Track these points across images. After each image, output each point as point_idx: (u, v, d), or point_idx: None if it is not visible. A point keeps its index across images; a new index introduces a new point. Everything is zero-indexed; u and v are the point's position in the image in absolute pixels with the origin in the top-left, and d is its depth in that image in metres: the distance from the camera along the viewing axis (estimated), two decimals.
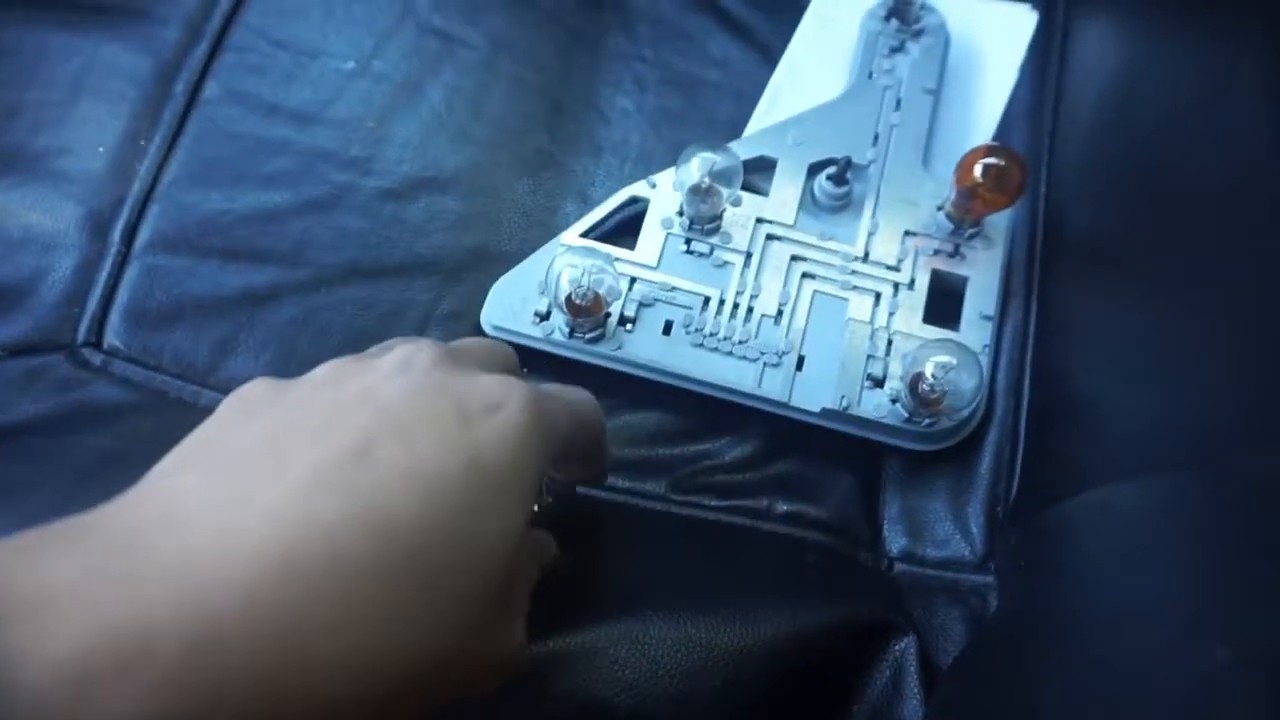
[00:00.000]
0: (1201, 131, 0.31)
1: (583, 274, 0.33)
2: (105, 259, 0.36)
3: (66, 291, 0.35)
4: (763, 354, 0.35)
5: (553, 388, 0.23)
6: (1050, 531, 0.28)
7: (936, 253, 0.37)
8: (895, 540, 0.34)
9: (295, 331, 0.35)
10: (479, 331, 0.36)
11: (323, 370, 0.19)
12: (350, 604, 0.15)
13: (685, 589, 0.28)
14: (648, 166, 0.40)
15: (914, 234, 0.37)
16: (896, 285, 0.36)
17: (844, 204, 0.37)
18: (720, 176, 0.35)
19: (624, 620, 0.26)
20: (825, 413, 0.34)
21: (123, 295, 0.35)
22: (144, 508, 0.15)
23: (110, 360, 0.34)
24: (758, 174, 0.38)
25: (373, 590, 0.15)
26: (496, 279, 0.36)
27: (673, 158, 0.36)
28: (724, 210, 0.36)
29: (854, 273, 0.36)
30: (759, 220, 0.37)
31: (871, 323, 0.35)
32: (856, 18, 0.42)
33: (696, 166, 0.35)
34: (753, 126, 0.41)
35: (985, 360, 0.34)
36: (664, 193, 0.37)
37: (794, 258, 0.36)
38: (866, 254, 0.37)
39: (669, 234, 0.37)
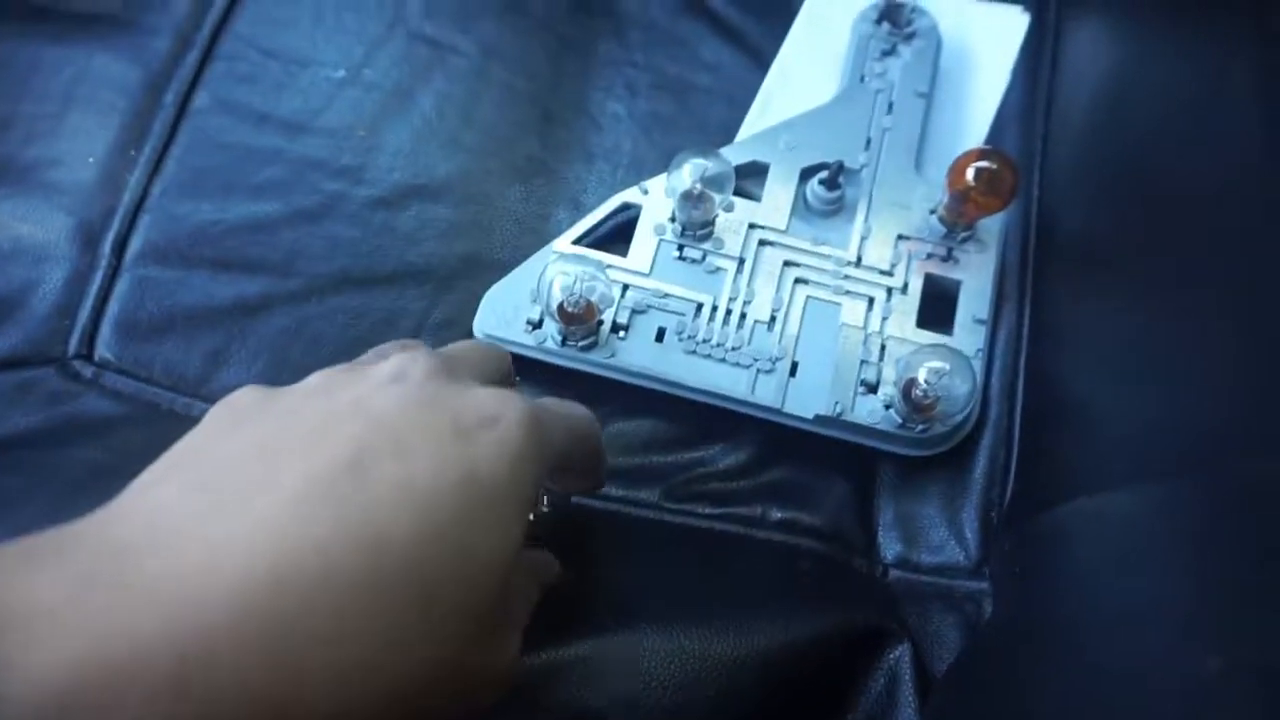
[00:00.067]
0: (1194, 133, 0.31)
1: (575, 281, 0.32)
2: (96, 270, 0.35)
3: (57, 304, 0.35)
4: (756, 360, 0.35)
5: (550, 402, 0.23)
6: (1044, 537, 0.28)
7: (929, 256, 0.37)
8: (890, 546, 0.34)
9: (287, 341, 0.35)
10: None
11: (314, 379, 0.19)
12: (344, 617, 0.15)
13: (678, 599, 0.28)
14: (640, 172, 0.40)
15: (907, 238, 0.37)
16: (890, 290, 0.36)
17: (836, 208, 0.37)
18: (712, 182, 0.35)
19: (618, 632, 0.26)
20: (819, 419, 0.34)
21: (114, 307, 0.35)
22: (131, 520, 0.15)
23: (101, 372, 0.34)
24: (750, 179, 0.38)
25: (366, 604, 0.15)
26: (489, 287, 0.36)
27: (665, 163, 0.36)
28: (716, 216, 0.36)
29: (847, 278, 0.36)
30: (751, 226, 0.37)
31: (865, 328, 0.35)
32: (848, 21, 0.42)
33: (688, 172, 0.35)
34: (745, 131, 0.41)
35: (979, 365, 0.34)
36: (656, 199, 0.37)
37: (787, 263, 0.36)
38: (859, 259, 0.36)
39: (661, 240, 0.36)
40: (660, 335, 0.35)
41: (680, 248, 0.36)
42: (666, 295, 0.36)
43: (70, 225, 0.36)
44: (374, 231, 0.38)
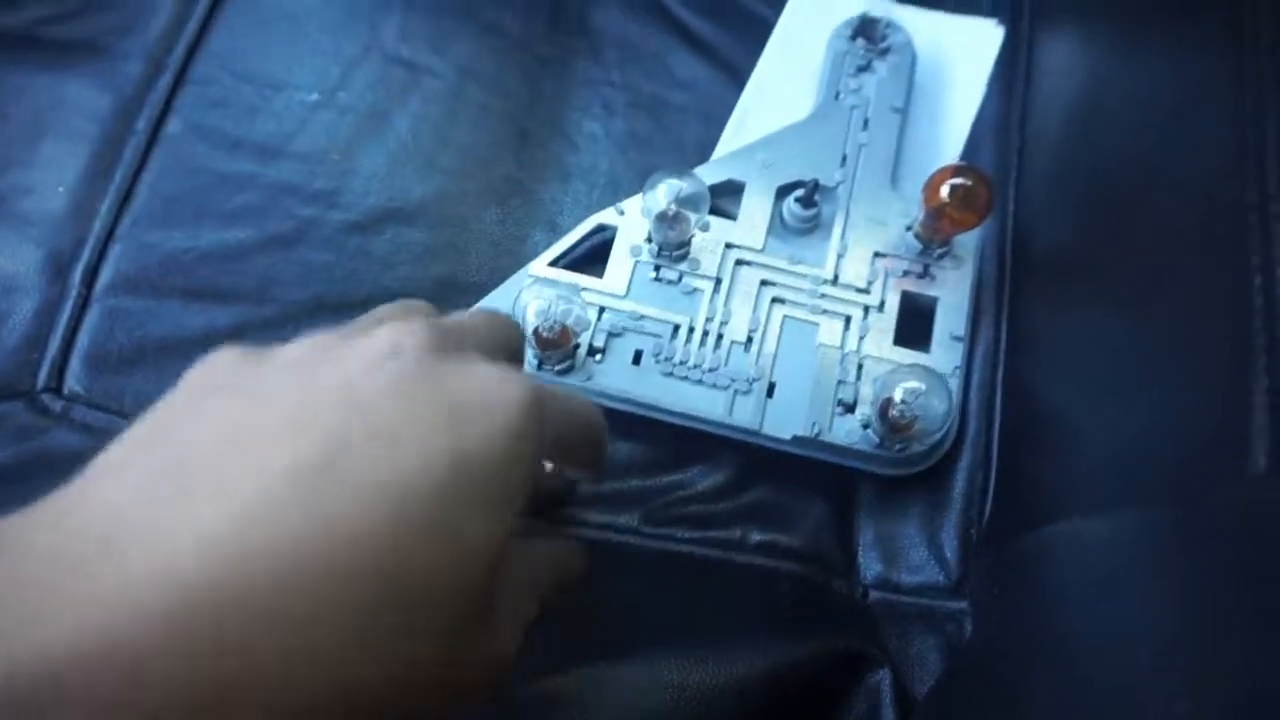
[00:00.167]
0: (1166, 144, 0.31)
1: (550, 306, 0.32)
2: (66, 302, 0.35)
3: (26, 335, 0.34)
4: (733, 381, 0.34)
5: (554, 387, 0.22)
6: (1024, 559, 0.28)
7: (906, 274, 0.36)
8: (870, 567, 0.34)
9: None
10: None
11: (300, 347, 0.18)
12: (313, 617, 0.14)
13: (657, 629, 0.28)
14: (616, 192, 0.40)
15: (883, 255, 0.37)
16: (867, 308, 0.36)
17: (813, 226, 0.37)
18: (687, 202, 0.35)
19: (596, 664, 0.26)
20: (797, 440, 0.33)
21: (83, 339, 0.35)
22: (73, 518, 0.14)
23: (71, 406, 0.34)
24: (726, 197, 0.38)
25: (332, 608, 0.14)
26: (465, 310, 0.35)
27: (641, 182, 0.35)
28: (692, 236, 0.36)
29: (824, 296, 0.36)
30: (728, 245, 0.37)
31: (842, 347, 0.35)
32: (823, 37, 0.42)
33: (663, 193, 0.34)
34: (721, 148, 0.41)
35: (956, 382, 0.34)
36: (632, 220, 0.37)
37: (763, 282, 0.36)
38: (836, 277, 0.36)
39: (638, 262, 0.36)
40: (637, 358, 0.35)
41: (657, 268, 0.36)
42: (643, 317, 0.35)
43: (40, 256, 0.36)
44: (349, 256, 0.37)
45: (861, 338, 0.35)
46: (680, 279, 0.36)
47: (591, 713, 0.26)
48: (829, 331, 0.35)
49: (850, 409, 0.34)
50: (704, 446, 0.34)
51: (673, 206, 0.34)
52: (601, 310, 0.35)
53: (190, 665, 0.13)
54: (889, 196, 0.38)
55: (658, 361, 0.35)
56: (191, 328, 0.35)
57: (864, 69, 0.41)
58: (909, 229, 0.37)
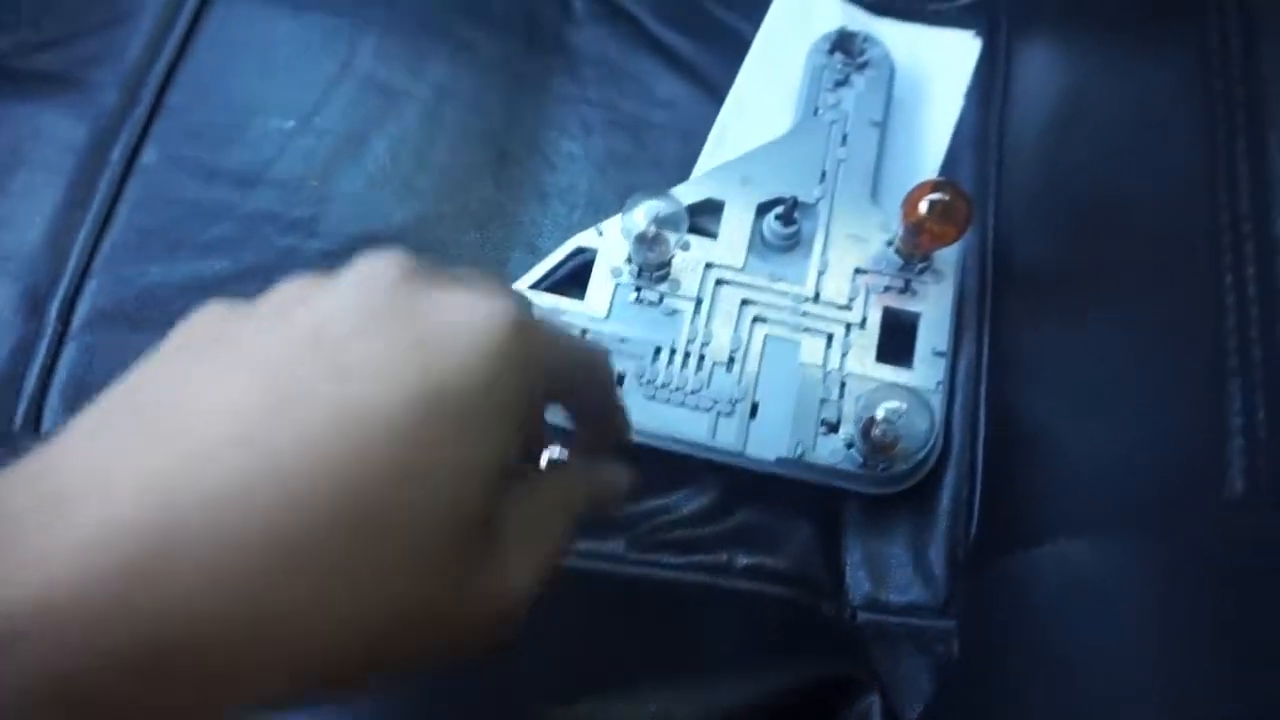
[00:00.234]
0: (1140, 160, 0.31)
1: None
2: (42, 339, 0.35)
3: (2, 374, 0.34)
4: (716, 403, 0.34)
5: (551, 318, 0.20)
6: (1010, 581, 0.28)
7: (887, 289, 0.36)
8: (858, 587, 0.33)
9: None
10: None
11: (281, 294, 0.17)
12: (250, 563, 0.14)
13: (642, 661, 0.28)
14: (596, 212, 0.40)
15: (864, 271, 0.37)
16: (848, 325, 0.36)
17: (793, 243, 0.37)
18: (666, 223, 0.34)
19: (581, 702, 0.26)
20: (781, 462, 0.33)
21: (60, 375, 0.34)
22: (41, 479, 0.14)
23: None
24: (706, 216, 0.38)
25: (283, 546, 0.14)
26: None
27: (621, 201, 0.35)
28: (672, 256, 0.36)
29: (805, 314, 0.36)
30: (708, 265, 0.37)
31: (824, 365, 0.35)
32: (801, 52, 0.42)
33: (641, 215, 0.34)
34: (701, 166, 0.41)
35: (939, 398, 0.34)
36: (612, 241, 0.37)
37: (744, 301, 0.36)
38: (817, 294, 0.36)
39: (618, 283, 0.36)
40: (620, 381, 0.35)
41: (638, 290, 0.36)
42: (624, 339, 0.35)
43: (16, 292, 0.35)
44: None
45: (844, 355, 0.35)
46: (661, 300, 0.36)
47: None
48: (811, 350, 0.35)
49: (834, 428, 0.34)
50: (688, 469, 0.34)
51: (652, 228, 0.34)
52: (583, 333, 0.35)
53: (127, 616, 0.13)
54: (869, 211, 0.38)
55: (640, 384, 0.35)
56: None
57: (842, 83, 0.41)
58: (890, 244, 0.37)
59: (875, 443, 0.32)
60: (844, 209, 0.38)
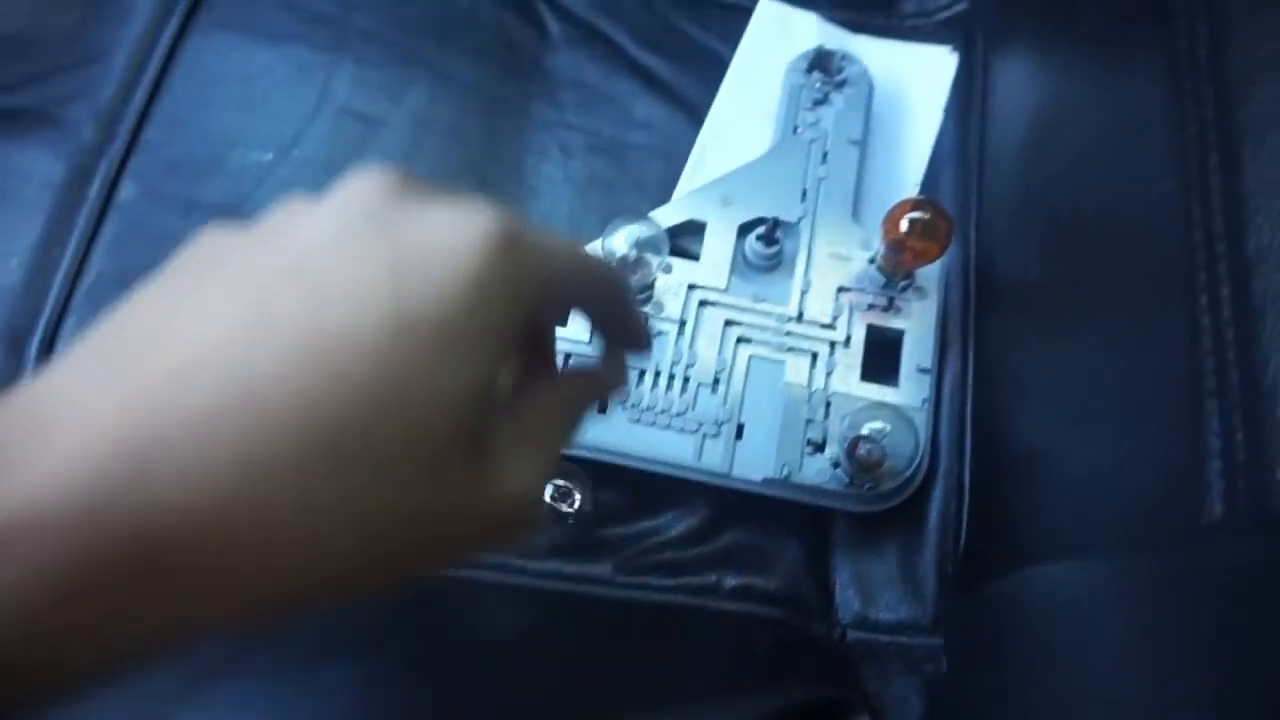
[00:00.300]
0: (1115, 177, 0.31)
1: None
2: (22, 376, 0.35)
3: None
4: (701, 425, 0.34)
5: (547, 230, 0.19)
6: (998, 602, 0.28)
7: (871, 307, 0.36)
8: (848, 606, 0.33)
9: None
10: None
11: (276, 216, 0.17)
12: (224, 480, 0.14)
13: (631, 686, 0.28)
14: (578, 235, 0.39)
15: (847, 289, 0.37)
16: (833, 344, 0.36)
17: (775, 263, 0.37)
18: (646, 246, 0.34)
19: None
20: (767, 482, 0.33)
21: None
22: (29, 411, 0.14)
23: None
24: (688, 237, 0.38)
25: (257, 466, 0.14)
26: None
27: (603, 224, 0.35)
28: (655, 279, 0.36)
29: (789, 334, 0.36)
30: (691, 286, 0.37)
31: (809, 385, 0.35)
32: (779, 71, 0.42)
33: (621, 239, 0.34)
34: (682, 187, 0.41)
35: (924, 416, 0.34)
36: None
37: (728, 322, 0.36)
38: (801, 313, 0.36)
39: None
40: (604, 405, 0.35)
41: None
42: None
43: None
44: None
45: (829, 374, 0.35)
46: (645, 323, 0.36)
47: None
48: (796, 369, 0.35)
49: (820, 448, 0.34)
50: (675, 492, 0.34)
51: (633, 251, 0.34)
52: (567, 358, 0.35)
53: (107, 518, 0.13)
54: (851, 230, 0.38)
55: (625, 408, 0.34)
56: None
57: (821, 102, 0.41)
58: (872, 262, 0.37)
59: (861, 462, 0.32)
60: (826, 227, 0.38)
